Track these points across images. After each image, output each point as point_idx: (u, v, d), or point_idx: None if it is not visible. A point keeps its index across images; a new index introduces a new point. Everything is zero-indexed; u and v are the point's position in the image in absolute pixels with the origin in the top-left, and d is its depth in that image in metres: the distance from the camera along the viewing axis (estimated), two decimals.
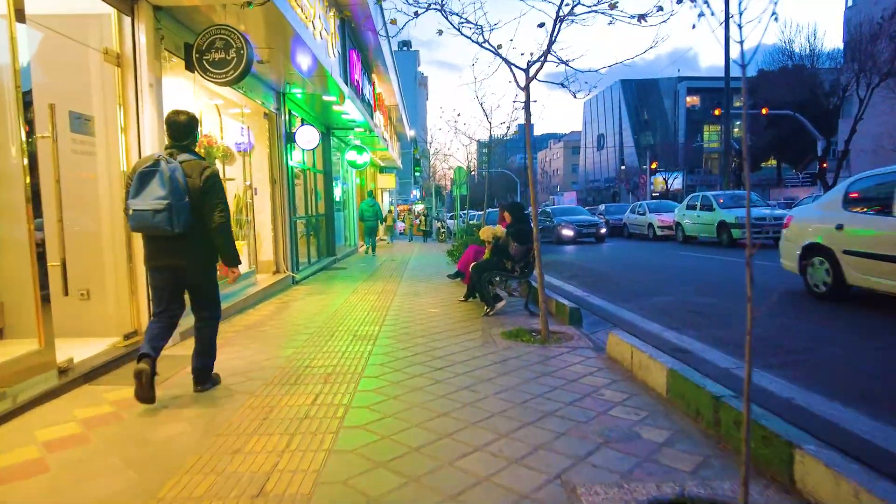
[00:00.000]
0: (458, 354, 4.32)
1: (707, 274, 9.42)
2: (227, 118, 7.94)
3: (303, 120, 9.68)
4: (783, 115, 37.98)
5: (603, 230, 18.24)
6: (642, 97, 65.83)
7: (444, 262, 12.60)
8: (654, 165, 31.77)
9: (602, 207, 25.27)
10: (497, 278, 6.11)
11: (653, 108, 64.92)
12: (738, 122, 44.82)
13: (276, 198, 8.66)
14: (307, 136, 8.80)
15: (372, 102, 12.64)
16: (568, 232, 17.60)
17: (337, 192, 14.76)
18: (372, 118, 12.58)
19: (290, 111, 9.54)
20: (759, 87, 38.85)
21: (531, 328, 5.24)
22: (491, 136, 8.77)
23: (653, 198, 50.20)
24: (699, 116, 57.31)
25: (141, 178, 3.11)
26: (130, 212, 3.12)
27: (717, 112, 27.97)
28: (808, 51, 17.62)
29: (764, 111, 28.78)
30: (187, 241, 3.23)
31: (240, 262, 3.54)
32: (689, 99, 57.80)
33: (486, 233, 6.04)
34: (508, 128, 8.58)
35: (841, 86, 16.30)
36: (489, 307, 5.91)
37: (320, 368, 4.02)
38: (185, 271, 3.32)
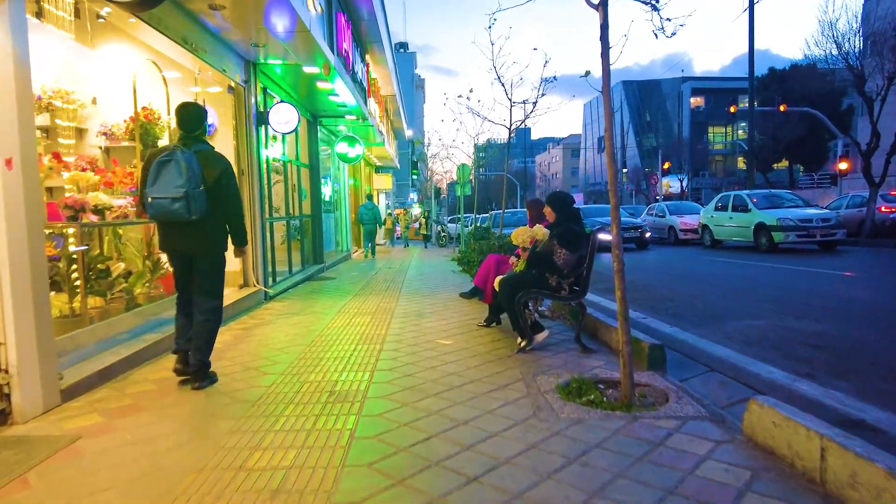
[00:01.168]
0: (499, 439, 2.59)
1: (773, 286, 7.73)
2: (180, 92, 6.24)
3: (281, 99, 7.95)
4: (796, 116, 36.63)
5: (648, 234, 16.04)
6: (645, 98, 64.46)
7: (449, 271, 10.89)
8: (667, 165, 30.11)
9: None
10: (535, 299, 4.40)
11: (655, 109, 63.55)
12: (743, 122, 43.41)
13: (244, 193, 6.93)
14: (284, 117, 7.09)
15: (366, 86, 10.95)
16: (605, 236, 15.42)
17: (326, 191, 13.05)
18: (365, 104, 10.89)
19: (265, 89, 7.83)
20: (769, 85, 37.45)
21: (595, 376, 3.54)
22: (511, 115, 7.05)
23: (657, 201, 48.60)
24: (703, 118, 55.97)
25: (158, 167, 3.18)
26: (149, 200, 3.19)
27: (732, 109, 26.41)
28: (853, 29, 15.94)
29: (782, 108, 27.13)
30: (201, 227, 3.33)
31: (246, 243, 3.66)
32: (693, 100, 56.37)
33: (520, 235, 4.30)
34: (535, 104, 6.87)
35: (886, 76, 14.63)
36: (526, 340, 4.20)
37: (263, 475, 2.29)
38: (197, 256, 3.41)
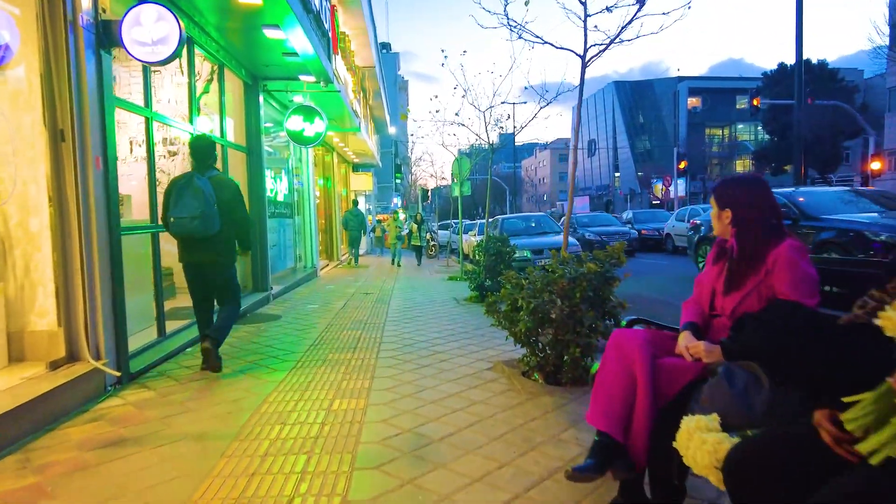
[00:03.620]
0: None
1: None
2: None
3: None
4: (807, 115, 34.08)
5: None
6: (638, 100, 62.00)
7: (451, 298, 7.53)
8: (683, 165, 27.15)
9: (629, 214, 20.39)
10: None
11: (649, 110, 61.08)
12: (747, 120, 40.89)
13: (67, 178, 3.48)
14: (151, 31, 3.65)
15: (329, 30, 7.56)
16: None
17: (281, 188, 9.61)
18: (329, 59, 7.51)
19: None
20: (780, 81, 34.82)
21: None
22: (586, 36, 3.65)
23: (652, 206, 45.56)
24: (700, 119, 53.60)
25: (178, 192, 3.70)
26: (172, 220, 3.72)
27: (755, 102, 23.50)
28: None
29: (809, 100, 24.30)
30: (214, 241, 3.86)
31: (251, 247, 4.36)
32: (690, 100, 53.85)
33: None
34: (627, 20, 3.53)
35: None
36: None
37: None
38: (212, 267, 3.95)
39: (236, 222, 4.00)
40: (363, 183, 18.99)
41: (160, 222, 4.10)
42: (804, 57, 35.49)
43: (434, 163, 45.81)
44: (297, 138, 7.88)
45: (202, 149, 3.94)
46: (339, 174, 17.97)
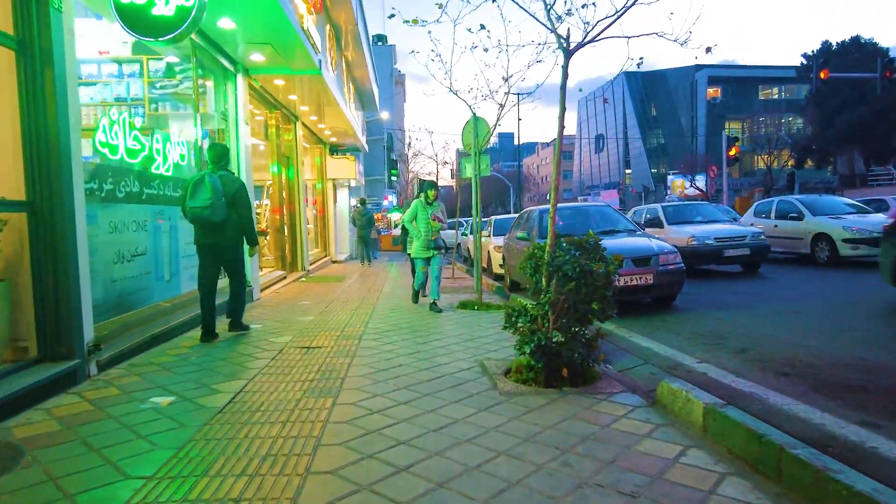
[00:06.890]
0: None
1: None
2: None
3: None
4: (854, 98, 30.21)
5: None
6: (650, 91, 57.70)
7: (473, 366, 3.21)
8: (734, 151, 22.92)
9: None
10: None
11: (663, 103, 56.90)
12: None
13: None
14: None
15: None
16: None
17: (166, 151, 5.39)
18: None
19: None
20: (828, 61, 30.64)
21: None
22: None
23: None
24: (721, 110, 49.43)
25: (194, 186, 4.68)
26: (188, 208, 4.67)
27: (823, 74, 19.39)
28: None
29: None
30: (224, 227, 4.83)
31: (257, 243, 5.25)
32: (709, 90, 49.66)
33: None
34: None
35: None
36: None
37: None
38: (222, 249, 4.92)
39: (239, 214, 4.89)
40: (342, 169, 14.73)
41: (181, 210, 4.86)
42: (853, 34, 31.18)
43: (434, 142, 39.44)
44: (138, 21, 3.62)
45: (217, 153, 5.00)
46: (310, 158, 13.76)
